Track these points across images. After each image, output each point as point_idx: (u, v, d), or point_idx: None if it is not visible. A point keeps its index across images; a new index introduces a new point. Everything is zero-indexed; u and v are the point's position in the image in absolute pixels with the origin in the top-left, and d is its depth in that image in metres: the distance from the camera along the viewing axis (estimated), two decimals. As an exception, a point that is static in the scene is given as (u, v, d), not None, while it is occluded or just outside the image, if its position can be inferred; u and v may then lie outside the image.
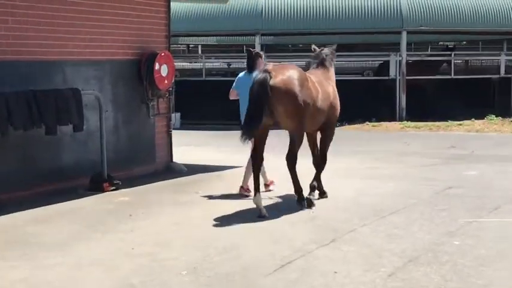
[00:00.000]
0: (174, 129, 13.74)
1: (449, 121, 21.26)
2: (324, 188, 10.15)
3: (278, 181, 10.82)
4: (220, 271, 6.57)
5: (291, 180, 9.34)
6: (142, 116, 12.42)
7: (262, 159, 9.42)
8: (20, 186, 10.04)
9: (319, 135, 10.18)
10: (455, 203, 9.63)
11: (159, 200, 10.16)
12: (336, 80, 10.36)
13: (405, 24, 22.76)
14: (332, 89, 9.97)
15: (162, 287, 6.19)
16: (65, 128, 10.49)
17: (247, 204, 9.56)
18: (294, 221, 8.61)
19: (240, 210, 9.26)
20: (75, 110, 10.38)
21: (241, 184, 10.57)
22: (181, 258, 7.01)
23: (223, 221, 8.70)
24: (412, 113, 22.25)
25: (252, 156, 9.45)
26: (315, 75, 9.73)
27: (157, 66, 12.18)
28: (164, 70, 12.35)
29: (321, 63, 10.22)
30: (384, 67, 23.90)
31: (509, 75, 24.12)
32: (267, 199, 9.90)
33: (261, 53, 11.16)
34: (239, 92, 10.57)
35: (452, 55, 24.70)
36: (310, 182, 9.87)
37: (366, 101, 22.11)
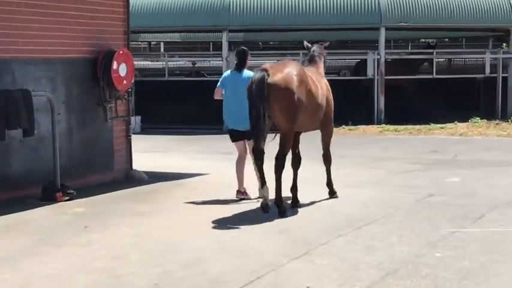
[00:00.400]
0: (133, 133, 13.67)
1: (431, 124, 21.45)
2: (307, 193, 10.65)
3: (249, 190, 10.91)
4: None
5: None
6: (99, 120, 12.35)
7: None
8: (-36, 196, 9.94)
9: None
10: (436, 212, 9.71)
11: (117, 210, 10.11)
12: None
13: (384, 20, 22.92)
14: (325, 84, 10.53)
15: (120, 305, 6.17)
16: (13, 132, 10.39)
17: (213, 214, 9.56)
18: (264, 233, 8.62)
19: (205, 221, 9.24)
20: (25, 113, 10.29)
21: (237, 188, 10.83)
22: (140, 273, 6.97)
23: (187, 232, 8.69)
24: (391, 115, 22.40)
25: (254, 153, 9.86)
26: (309, 71, 10.21)
27: (115, 65, 12.12)
28: (123, 69, 12.30)
29: (312, 59, 10.76)
30: (361, 66, 24.04)
31: (494, 75, 24.37)
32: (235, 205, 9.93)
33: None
34: (225, 91, 10.73)
35: (434, 53, 24.91)
36: (326, 184, 10.69)
37: (341, 103, 22.16)
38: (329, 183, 10.82)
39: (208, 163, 14.41)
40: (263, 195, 9.80)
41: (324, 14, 22.96)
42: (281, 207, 9.61)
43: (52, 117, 11.00)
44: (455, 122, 21.70)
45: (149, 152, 16.20)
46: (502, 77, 24.29)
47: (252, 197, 10.78)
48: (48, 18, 11.31)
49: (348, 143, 18.13)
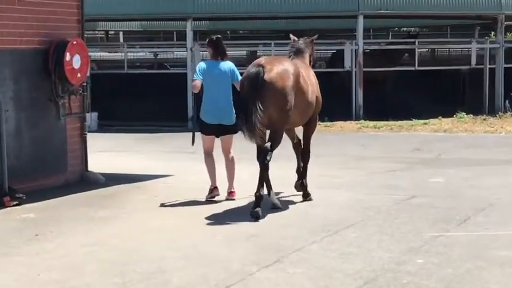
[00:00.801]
0: (89, 132, 13.62)
1: (413, 120, 21.58)
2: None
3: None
4: (143, 300, 6.55)
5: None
6: (51, 117, 12.26)
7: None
8: None
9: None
10: (419, 215, 9.77)
11: (71, 216, 10.04)
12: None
13: (362, 7, 23.00)
14: (314, 78, 10.84)
15: (74, 320, 6.14)
16: (-44, 131, 10.30)
17: (176, 219, 9.56)
18: (231, 239, 8.62)
19: (167, 227, 9.25)
20: (-32, 110, 10.21)
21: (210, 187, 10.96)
22: (97, 285, 6.94)
23: (147, 240, 8.66)
24: (370, 111, 22.49)
25: (258, 158, 10.00)
26: (301, 67, 10.48)
27: (68, 56, 12.04)
28: (77, 61, 12.22)
29: (298, 52, 10.96)
30: (338, 57, 24.11)
31: (481, 66, 24.58)
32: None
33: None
34: (204, 83, 10.76)
35: (416, 43, 25.00)
36: (296, 182, 10.91)
37: (316, 97, 22.23)
38: (303, 184, 10.88)
39: (171, 163, 14.38)
40: (274, 202, 10.22)
41: (296, 1, 22.99)
42: (258, 202, 9.75)
43: (-1, 114, 10.93)
44: (440, 118, 21.85)
45: (107, 152, 16.14)
46: (489, 68, 24.50)
47: (217, 197, 10.91)
48: (-6, 6, 11.23)
49: (324, 140, 18.17)
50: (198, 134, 11.04)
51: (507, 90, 24.30)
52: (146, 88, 22.88)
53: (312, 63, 11.47)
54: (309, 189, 10.92)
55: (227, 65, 10.86)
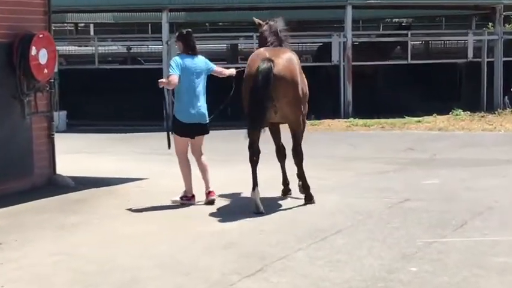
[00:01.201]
0: (57, 132, 13.61)
1: (406, 117, 21.66)
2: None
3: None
4: (116, 313, 6.54)
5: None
6: (15, 116, 12.22)
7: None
8: None
9: None
10: (412, 220, 9.80)
11: (38, 223, 10.01)
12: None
13: (350, -4, 23.05)
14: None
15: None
16: None
17: (150, 225, 9.56)
18: (211, 246, 8.62)
19: (141, 234, 9.24)
20: None
21: (182, 194, 11.00)
22: (66, 297, 6.95)
23: (120, 247, 8.65)
24: (360, 107, 22.54)
25: (250, 152, 10.45)
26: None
27: (33, 51, 12.02)
28: (43, 56, 12.19)
29: (280, 41, 11.17)
30: (325, 50, 24.16)
31: (478, 59, 24.67)
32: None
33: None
34: (181, 79, 10.80)
35: (409, 35, 25.09)
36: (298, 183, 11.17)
37: (302, 94, 22.26)
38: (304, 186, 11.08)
39: (145, 166, 14.36)
40: (253, 198, 10.29)
41: (280, -10, 23.01)
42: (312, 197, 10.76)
43: (-41, 113, 10.90)
44: (434, 115, 21.93)
45: (76, 154, 16.11)
46: (487, 61, 24.57)
47: (195, 202, 10.95)
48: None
49: (311, 140, 18.14)
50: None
51: (506, 86, 24.37)
52: (119, 85, 22.84)
53: None
54: (294, 192, 10.99)
55: (201, 60, 11.04)
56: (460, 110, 22.43)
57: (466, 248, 8.43)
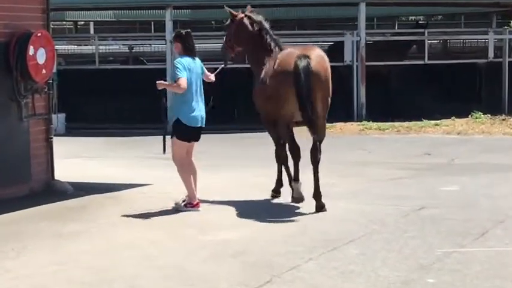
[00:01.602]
0: (56, 135, 13.61)
1: (423, 120, 21.60)
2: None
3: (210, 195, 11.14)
4: (117, 325, 6.55)
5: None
6: (12, 118, 12.25)
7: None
8: None
9: None
10: (429, 228, 9.79)
11: (36, 231, 10.02)
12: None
13: (364, -7, 23.05)
14: None
15: None
16: None
17: (153, 233, 9.56)
18: (218, 256, 8.63)
19: (143, 242, 9.24)
20: None
21: (187, 201, 11.00)
22: (65, 309, 6.95)
23: (121, 256, 8.66)
24: (374, 110, 22.50)
25: (290, 150, 11.30)
26: None
27: (31, 50, 12.04)
28: (41, 56, 12.22)
29: (275, 41, 11.66)
30: (337, 50, 24.10)
31: (499, 59, 24.61)
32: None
33: None
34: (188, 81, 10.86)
35: (426, 33, 25.07)
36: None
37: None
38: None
39: (147, 171, 14.36)
40: (297, 189, 11.07)
41: (290, -13, 23.04)
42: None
43: (-47, 115, 10.93)
44: (453, 118, 21.86)
45: (75, 158, 16.11)
46: (509, 62, 24.50)
47: (200, 209, 10.97)
48: None
49: (322, 144, 18.21)
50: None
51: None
52: (120, 86, 22.85)
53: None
54: (305, 199, 11.00)
55: (198, 62, 11.15)
56: (480, 113, 22.35)
57: (486, 258, 8.42)
